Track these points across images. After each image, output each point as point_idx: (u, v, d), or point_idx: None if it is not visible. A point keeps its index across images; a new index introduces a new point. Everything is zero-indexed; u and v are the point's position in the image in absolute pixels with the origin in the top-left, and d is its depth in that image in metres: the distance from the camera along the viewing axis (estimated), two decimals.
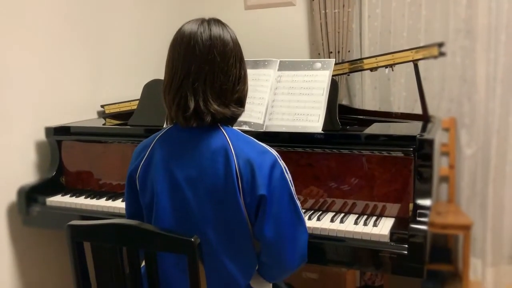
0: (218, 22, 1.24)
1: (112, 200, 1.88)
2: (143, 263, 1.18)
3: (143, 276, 1.19)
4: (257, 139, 1.26)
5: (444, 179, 2.72)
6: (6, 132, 1.90)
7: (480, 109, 2.60)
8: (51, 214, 1.91)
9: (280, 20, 2.95)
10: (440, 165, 2.65)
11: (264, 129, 1.73)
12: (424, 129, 1.64)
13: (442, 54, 1.72)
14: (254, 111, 1.75)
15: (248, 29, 2.66)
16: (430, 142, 1.48)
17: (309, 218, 1.55)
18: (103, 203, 1.86)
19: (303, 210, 1.35)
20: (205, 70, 1.18)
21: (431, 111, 1.91)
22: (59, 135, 2.02)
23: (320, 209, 1.63)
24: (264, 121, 1.74)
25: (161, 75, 1.88)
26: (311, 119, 1.69)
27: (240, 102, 1.26)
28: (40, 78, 2.05)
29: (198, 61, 1.17)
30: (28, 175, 2.01)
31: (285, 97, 1.77)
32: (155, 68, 2.63)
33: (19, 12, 1.94)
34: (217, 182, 1.17)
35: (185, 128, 1.22)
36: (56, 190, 2.01)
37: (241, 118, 1.31)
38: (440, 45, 1.73)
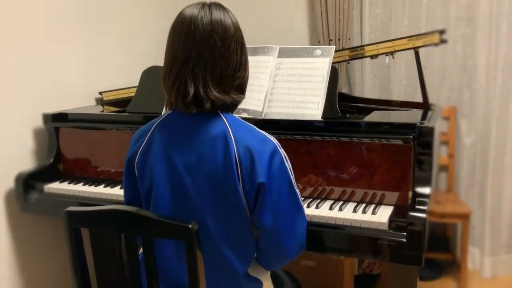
0: (219, 6, 1.22)
1: (110, 187, 1.87)
2: (141, 250, 1.18)
3: (141, 263, 1.19)
4: (256, 126, 1.24)
5: (444, 168, 2.72)
6: (3, 119, 1.89)
7: (480, 98, 2.59)
8: (49, 201, 1.91)
9: (280, 7, 2.92)
10: (440, 154, 2.64)
11: (263, 117, 1.72)
12: (424, 117, 1.63)
13: (443, 41, 1.71)
14: (253, 99, 1.74)
15: (247, 16, 2.64)
16: (430, 130, 1.47)
17: (308, 206, 1.55)
18: (101, 190, 1.85)
19: (302, 198, 1.35)
20: (205, 55, 1.16)
21: (431, 99, 1.90)
22: (57, 122, 2.00)
23: (319, 197, 1.63)
24: (263, 109, 1.73)
25: (159, 62, 1.86)
26: (311, 106, 1.68)
27: (241, 89, 1.25)
28: (38, 64, 2.03)
29: (198, 46, 1.16)
30: (26, 162, 2.01)
31: (285, 84, 1.75)
32: (154, 54, 2.60)
33: None
34: (216, 169, 1.16)
35: (184, 114, 1.21)
36: (54, 177, 2.00)
37: (240, 106, 1.29)
38: (441, 32, 1.71)
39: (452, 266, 2.71)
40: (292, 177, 1.22)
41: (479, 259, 2.69)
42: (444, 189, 2.73)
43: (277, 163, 1.18)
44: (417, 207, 1.41)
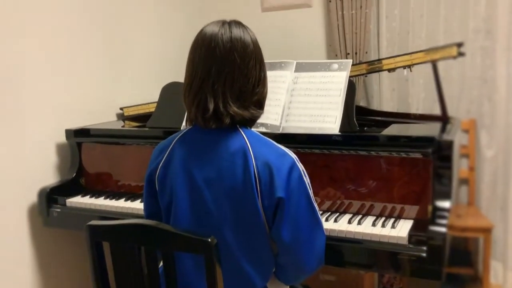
0: (238, 24, 1.24)
1: (131, 201, 1.90)
2: (161, 263, 1.19)
3: (161, 276, 1.20)
4: (274, 140, 1.26)
5: (464, 181, 2.68)
6: (27, 135, 1.94)
7: (501, 109, 2.56)
8: (71, 215, 1.95)
9: (297, 22, 2.95)
10: (460, 167, 2.61)
11: (280, 131, 1.73)
12: (443, 130, 1.63)
13: (461, 54, 1.70)
14: (271, 113, 1.75)
15: (265, 31, 2.66)
16: (450, 144, 1.46)
17: (326, 220, 1.55)
18: (122, 204, 1.88)
19: (320, 212, 1.35)
20: (225, 71, 1.18)
21: (450, 112, 1.88)
22: (79, 137, 2.05)
23: (338, 210, 1.62)
24: (280, 123, 1.75)
25: (179, 78, 1.90)
26: (328, 120, 1.69)
27: (260, 104, 1.26)
28: (61, 81, 2.09)
29: (218, 63, 1.18)
30: (49, 177, 2.05)
31: (302, 99, 1.77)
32: (173, 70, 2.65)
33: (41, 15, 1.98)
34: (235, 184, 1.18)
35: (204, 129, 1.23)
36: (76, 191, 2.04)
37: (258, 120, 1.31)
38: (459, 45, 1.71)
39: (474, 281, 2.65)
40: (311, 192, 1.23)
41: (501, 273, 2.64)
42: (465, 202, 2.69)
43: (295, 178, 1.19)
44: (437, 221, 1.40)
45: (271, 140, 1.25)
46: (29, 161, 1.96)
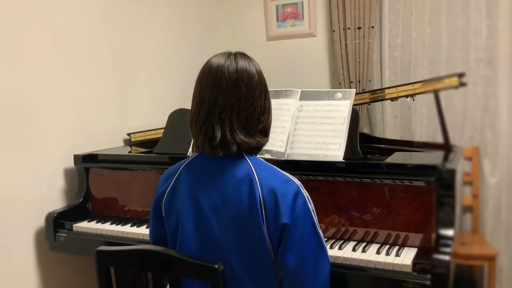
0: (244, 55, 1.29)
1: (137, 226, 1.92)
2: None
3: None
4: (278, 167, 1.28)
5: (468, 209, 2.69)
6: (36, 159, 1.98)
7: (503, 137, 2.59)
8: (77, 240, 1.96)
9: (301, 51, 3.01)
10: (464, 194, 2.62)
11: (285, 158, 1.76)
12: (446, 158, 1.65)
13: (462, 84, 1.73)
14: (276, 140, 1.78)
15: (270, 60, 2.73)
16: (452, 172, 1.48)
17: (331, 247, 1.56)
18: (128, 229, 1.90)
19: (325, 239, 1.36)
20: (231, 101, 1.22)
21: (453, 139, 1.90)
22: (87, 163, 2.08)
23: (342, 238, 1.64)
24: (285, 150, 1.78)
25: (185, 105, 1.94)
26: (332, 147, 1.71)
27: (265, 132, 1.30)
28: (69, 107, 2.13)
29: (224, 93, 1.22)
30: (56, 201, 2.08)
31: (307, 126, 1.80)
32: (180, 98, 2.70)
33: (48, 41, 2.04)
34: (241, 210, 1.20)
35: (210, 156, 1.26)
36: (83, 216, 2.06)
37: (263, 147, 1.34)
38: (461, 75, 1.75)
39: None
40: (315, 218, 1.25)
41: None
42: (469, 230, 2.69)
43: (300, 204, 1.21)
44: (440, 249, 1.41)
45: (275, 167, 1.28)
46: (37, 186, 1.99)
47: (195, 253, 1.24)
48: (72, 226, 1.99)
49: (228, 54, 1.28)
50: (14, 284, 1.90)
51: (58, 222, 1.98)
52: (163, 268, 1.18)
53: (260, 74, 1.29)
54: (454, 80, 1.73)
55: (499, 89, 2.58)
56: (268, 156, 1.76)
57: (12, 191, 1.88)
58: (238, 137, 1.22)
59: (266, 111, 1.29)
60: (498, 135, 2.61)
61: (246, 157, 1.26)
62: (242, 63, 1.25)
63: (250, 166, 1.23)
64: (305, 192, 1.25)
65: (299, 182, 1.25)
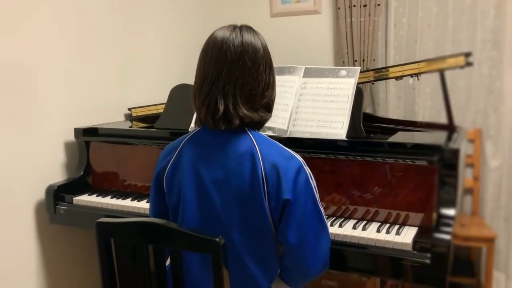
0: (249, 29, 1.27)
1: (137, 201, 1.92)
2: (168, 261, 1.21)
3: (168, 274, 1.22)
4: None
5: (468, 191, 2.69)
6: (36, 133, 1.97)
7: (507, 120, 2.57)
8: (77, 213, 1.96)
9: (306, 28, 2.97)
10: (465, 176, 2.62)
11: (287, 135, 1.74)
12: (449, 138, 1.64)
13: (468, 64, 1.71)
14: (278, 117, 1.77)
15: (273, 37, 2.68)
16: (455, 152, 1.48)
17: (331, 225, 1.56)
18: (128, 203, 1.90)
19: (326, 216, 1.35)
20: (235, 74, 1.20)
21: (456, 121, 1.89)
22: (87, 136, 2.07)
23: (343, 215, 1.64)
24: (288, 127, 1.76)
25: (187, 80, 1.92)
26: (335, 126, 1.70)
27: (268, 108, 1.29)
28: (71, 80, 2.11)
29: (229, 66, 1.20)
30: (57, 175, 2.07)
31: (310, 104, 1.78)
32: (182, 72, 2.68)
33: (50, 14, 2.01)
34: (243, 185, 1.19)
35: (213, 130, 1.25)
36: (83, 190, 2.06)
37: (265, 123, 1.33)
38: (467, 55, 1.72)
39: None
40: (317, 195, 1.24)
41: (504, 284, 2.64)
42: (469, 212, 2.70)
43: (302, 181, 1.20)
44: (441, 228, 1.41)
45: (278, 143, 1.27)
46: (38, 159, 1.98)
47: (196, 228, 1.24)
48: (72, 199, 1.99)
49: (234, 27, 1.25)
50: (14, 255, 1.91)
51: (58, 195, 1.98)
52: (164, 241, 1.18)
53: (265, 49, 1.27)
54: (461, 60, 1.70)
55: (505, 71, 2.55)
56: (270, 133, 1.75)
57: (13, 163, 1.88)
58: (241, 111, 1.20)
59: (270, 86, 1.28)
60: (501, 118, 2.59)
61: (249, 132, 1.25)
62: (247, 37, 1.23)
63: (253, 141, 1.22)
64: (307, 169, 1.24)
65: (302, 159, 1.24)
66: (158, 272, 1.20)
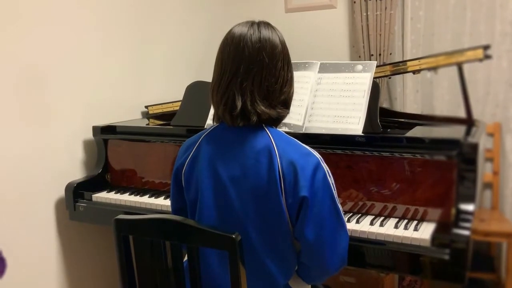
0: (267, 24, 1.26)
1: (155, 198, 1.94)
2: (186, 258, 1.22)
3: (186, 271, 1.23)
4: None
5: (488, 185, 2.65)
6: (55, 131, 2.00)
7: None
8: (96, 210, 1.99)
9: (321, 23, 2.95)
10: (484, 171, 2.58)
11: (303, 131, 1.74)
12: (468, 133, 1.61)
13: (487, 57, 1.69)
14: (293, 113, 1.76)
15: (288, 32, 2.67)
16: (474, 147, 1.45)
17: (348, 221, 1.55)
18: (146, 200, 1.92)
19: (343, 212, 1.35)
20: (253, 71, 1.20)
21: (475, 115, 1.86)
22: (105, 134, 2.10)
23: (360, 211, 1.63)
24: (303, 123, 1.76)
25: (203, 77, 1.92)
26: (351, 121, 1.69)
27: (286, 104, 1.28)
28: (88, 79, 2.14)
29: (247, 62, 1.20)
30: (76, 172, 2.10)
31: (325, 99, 1.77)
32: (197, 70, 2.69)
33: (70, 14, 2.03)
34: (260, 182, 1.19)
35: (231, 127, 1.25)
36: (102, 187, 2.09)
37: None
38: (486, 47, 1.70)
39: (496, 286, 2.62)
40: (335, 192, 1.24)
41: None
42: (488, 207, 2.66)
43: (320, 178, 1.20)
44: (460, 224, 1.39)
45: (296, 139, 1.26)
46: (57, 157, 2.01)
47: (213, 224, 1.25)
48: (91, 197, 2.02)
49: (252, 23, 1.25)
50: (35, 252, 1.95)
51: (77, 192, 2.01)
52: (181, 237, 1.19)
53: (283, 45, 1.26)
54: (479, 53, 1.68)
55: None
56: (285, 129, 1.75)
57: (33, 162, 1.91)
58: (258, 108, 1.20)
59: (288, 82, 1.27)
60: None
61: (266, 129, 1.25)
62: (265, 33, 1.23)
63: (270, 138, 1.22)
64: (325, 166, 1.23)
65: (319, 156, 1.24)
66: (176, 268, 1.22)
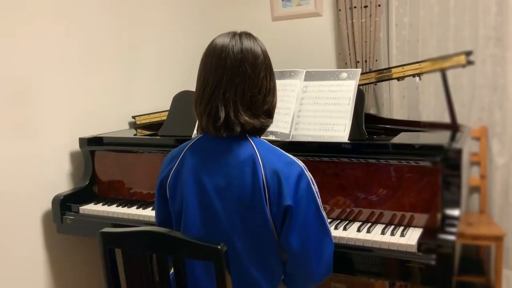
0: (249, 35, 1.27)
1: (143, 209, 1.93)
2: (172, 270, 1.21)
3: (172, 282, 1.22)
4: (283, 149, 1.27)
5: (475, 189, 2.67)
6: (42, 143, 1.98)
7: None
8: (84, 222, 1.97)
9: (307, 31, 2.97)
10: (471, 175, 2.60)
11: (290, 139, 1.74)
12: (452, 138, 1.63)
13: (470, 62, 1.70)
14: (280, 121, 1.77)
15: (275, 40, 2.69)
16: (458, 152, 1.47)
17: (336, 228, 1.56)
18: (134, 211, 1.91)
19: (329, 220, 1.35)
20: (236, 81, 1.21)
21: (461, 119, 1.88)
22: (92, 146, 2.09)
23: (347, 218, 1.63)
24: (290, 131, 1.76)
25: (189, 87, 1.92)
26: (337, 128, 1.70)
27: (269, 114, 1.29)
28: (75, 90, 2.13)
29: (229, 73, 1.21)
30: (63, 184, 2.09)
31: (311, 107, 1.78)
32: (184, 80, 2.69)
33: (52, 24, 2.02)
34: (244, 192, 1.20)
35: (214, 138, 1.25)
36: (89, 199, 2.07)
37: (267, 128, 1.33)
38: (468, 53, 1.71)
39: None
40: (319, 200, 1.24)
41: None
42: (476, 210, 2.68)
43: (303, 186, 1.20)
44: (446, 229, 1.40)
45: (279, 149, 1.27)
46: (44, 169, 2.00)
47: (199, 234, 1.25)
48: (78, 209, 2.00)
49: (233, 34, 1.26)
50: (22, 265, 1.93)
51: (65, 205, 1.99)
52: (167, 249, 1.19)
53: (265, 55, 1.27)
54: (462, 59, 1.70)
55: (508, 68, 2.53)
56: (272, 137, 1.75)
57: (19, 174, 1.89)
58: (242, 118, 1.21)
59: (271, 92, 1.28)
60: (506, 114, 2.57)
61: (250, 139, 1.25)
62: (247, 43, 1.24)
63: (254, 148, 1.23)
64: (308, 174, 1.24)
65: (303, 164, 1.24)
66: (162, 280, 1.21)
